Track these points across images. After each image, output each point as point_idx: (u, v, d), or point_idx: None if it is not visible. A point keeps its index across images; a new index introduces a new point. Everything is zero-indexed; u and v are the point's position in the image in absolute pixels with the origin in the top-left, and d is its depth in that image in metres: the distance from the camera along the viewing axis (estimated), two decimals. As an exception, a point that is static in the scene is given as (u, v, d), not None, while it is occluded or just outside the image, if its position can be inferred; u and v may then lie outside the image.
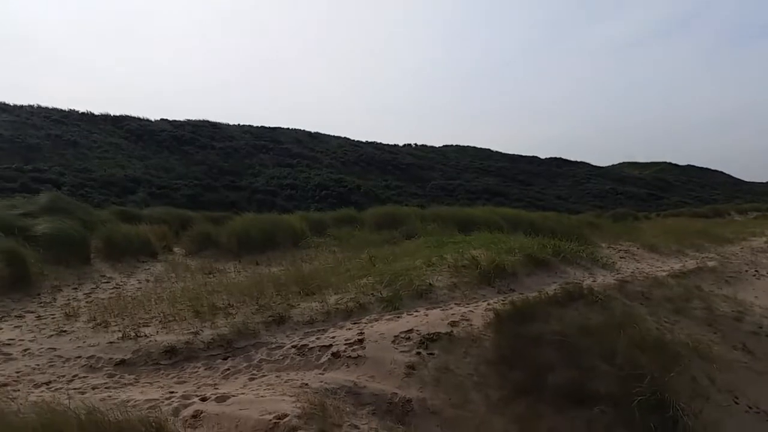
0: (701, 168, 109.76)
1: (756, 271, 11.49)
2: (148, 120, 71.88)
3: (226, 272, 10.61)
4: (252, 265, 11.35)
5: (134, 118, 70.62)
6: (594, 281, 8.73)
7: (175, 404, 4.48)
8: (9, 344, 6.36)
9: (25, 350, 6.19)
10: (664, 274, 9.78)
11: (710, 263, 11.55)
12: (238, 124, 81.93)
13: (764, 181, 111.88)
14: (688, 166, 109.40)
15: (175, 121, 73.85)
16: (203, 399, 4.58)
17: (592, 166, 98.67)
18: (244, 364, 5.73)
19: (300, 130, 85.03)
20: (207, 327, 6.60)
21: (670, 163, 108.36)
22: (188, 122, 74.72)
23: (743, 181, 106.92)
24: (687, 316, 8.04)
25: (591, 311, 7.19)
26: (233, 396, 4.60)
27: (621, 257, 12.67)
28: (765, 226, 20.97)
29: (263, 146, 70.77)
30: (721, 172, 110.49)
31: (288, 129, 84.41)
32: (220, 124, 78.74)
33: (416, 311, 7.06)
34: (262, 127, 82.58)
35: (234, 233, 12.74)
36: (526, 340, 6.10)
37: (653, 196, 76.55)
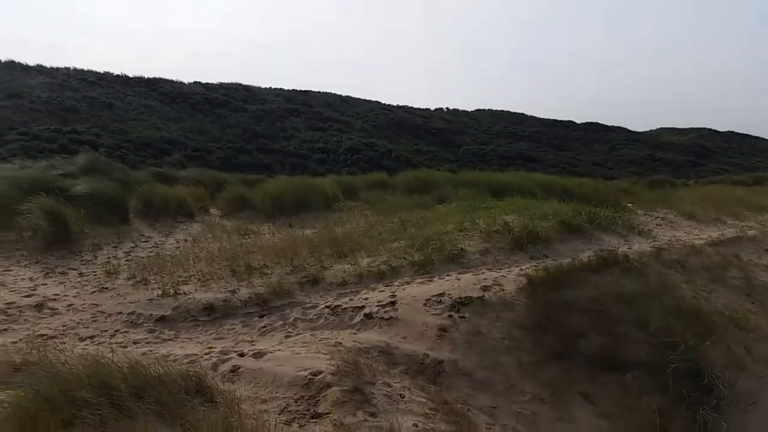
0: (743, 134, 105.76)
1: (798, 240, 11.14)
2: (181, 83, 72.45)
3: (260, 234, 10.78)
4: (285, 227, 11.51)
5: (168, 80, 71.26)
6: (629, 248, 8.60)
7: (214, 359, 4.64)
8: (54, 299, 6.63)
9: (69, 305, 6.45)
10: (701, 242, 9.57)
11: (750, 232, 11.24)
12: (270, 87, 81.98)
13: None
14: (729, 132, 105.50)
15: (208, 84, 74.31)
16: (241, 355, 4.73)
17: (629, 131, 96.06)
18: (280, 323, 5.87)
19: (331, 93, 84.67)
20: (243, 286, 6.76)
21: (710, 129, 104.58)
22: (221, 85, 75.09)
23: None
24: (724, 285, 7.89)
25: (625, 278, 7.12)
26: (270, 352, 4.73)
27: (657, 225, 12.44)
28: (809, 196, 20.21)
29: (295, 110, 70.82)
30: (764, 139, 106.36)
31: (319, 92, 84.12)
32: (252, 87, 78.94)
33: (448, 275, 7.09)
34: (293, 90, 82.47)
35: (268, 196, 12.89)
36: (559, 306, 6.09)
37: (691, 162, 74.42)
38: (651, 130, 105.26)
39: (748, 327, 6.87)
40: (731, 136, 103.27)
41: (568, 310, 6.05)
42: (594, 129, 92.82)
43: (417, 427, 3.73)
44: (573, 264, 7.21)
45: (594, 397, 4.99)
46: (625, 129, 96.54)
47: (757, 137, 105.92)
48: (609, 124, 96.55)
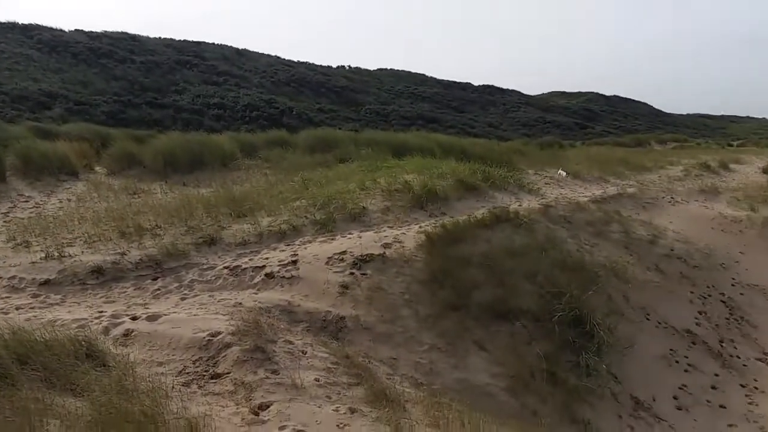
0: (626, 99, 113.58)
1: (671, 197, 12.28)
2: (61, 30, 66.05)
3: (151, 193, 10.26)
4: (179, 186, 11.01)
5: (46, 27, 64.70)
6: (520, 206, 9.05)
7: (105, 323, 4.41)
8: None
9: (-62, 271, 5.84)
10: (585, 199, 10.28)
11: (629, 190, 12.22)
12: (159, 38, 76.74)
13: (684, 113, 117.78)
14: (614, 96, 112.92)
15: (91, 32, 68.25)
16: (134, 318, 4.53)
17: (522, 94, 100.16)
18: (175, 285, 5.67)
19: (227, 45, 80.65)
20: (134, 247, 6.43)
21: (596, 93, 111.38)
22: (105, 34, 69.29)
23: (664, 112, 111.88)
24: (606, 239, 8.56)
25: (516, 234, 7.52)
26: (165, 315, 4.57)
27: (546, 183, 13.17)
28: (682, 156, 22.21)
29: (187, 62, 66.92)
30: (645, 103, 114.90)
31: (214, 44, 79.87)
32: (139, 36, 73.49)
33: (350, 234, 7.14)
34: (185, 41, 77.69)
35: (159, 153, 12.22)
36: (455, 260, 6.34)
37: (579, 125, 79.13)
38: (542, 94, 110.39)
39: (627, 277, 7.53)
40: (616, 100, 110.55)
41: (464, 264, 6.32)
42: (490, 92, 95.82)
43: (319, 381, 3.77)
44: (468, 221, 7.49)
45: (487, 345, 5.29)
46: (519, 92, 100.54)
47: (638, 101, 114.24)
48: (504, 87, 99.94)
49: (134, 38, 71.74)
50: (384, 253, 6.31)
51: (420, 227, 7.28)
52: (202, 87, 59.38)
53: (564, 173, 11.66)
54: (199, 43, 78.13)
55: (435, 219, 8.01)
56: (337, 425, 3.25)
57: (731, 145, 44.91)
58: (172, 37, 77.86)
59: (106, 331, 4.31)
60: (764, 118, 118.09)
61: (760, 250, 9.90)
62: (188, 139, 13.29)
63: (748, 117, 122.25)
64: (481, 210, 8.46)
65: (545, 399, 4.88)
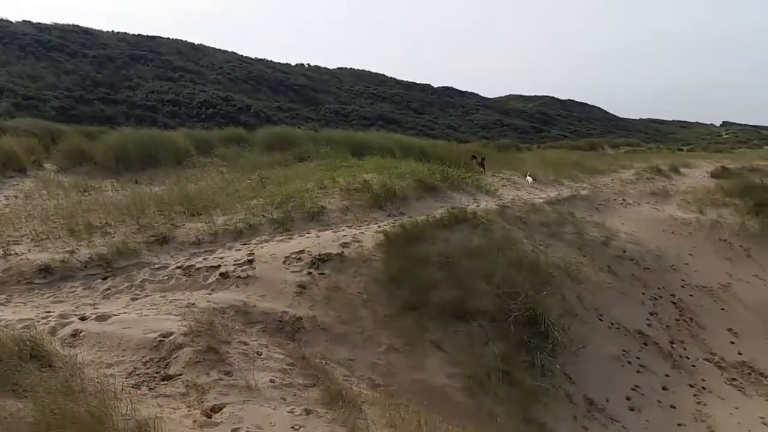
0: (581, 103, 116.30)
1: (623, 200, 12.59)
2: (7, 21, 63.23)
3: (102, 190, 9.93)
4: (131, 184, 10.69)
5: (-11, 18, 61.91)
6: (477, 206, 9.13)
7: (53, 323, 4.25)
8: None
9: None
10: (540, 201, 10.45)
11: (583, 192, 12.48)
12: (113, 31, 74.39)
13: (637, 117, 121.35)
14: (569, 100, 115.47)
15: (40, 24, 65.54)
16: (82, 318, 4.36)
17: (480, 97, 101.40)
18: (126, 284, 5.48)
19: (182, 41, 78.74)
20: (83, 246, 6.19)
21: (552, 98, 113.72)
22: (55, 26, 66.70)
23: (618, 117, 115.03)
24: (560, 239, 8.71)
25: (474, 234, 7.57)
26: (115, 315, 4.41)
27: (503, 185, 13.31)
28: (634, 160, 22.75)
29: (141, 56, 65.00)
30: (599, 108, 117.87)
31: (169, 39, 77.85)
32: (92, 30, 71.07)
33: (308, 233, 7.05)
34: (139, 35, 75.52)
35: (111, 149, 11.85)
36: (414, 260, 6.33)
37: (535, 128, 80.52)
38: (500, 97, 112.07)
39: (580, 278, 7.67)
40: (571, 104, 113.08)
41: (423, 264, 6.32)
42: (449, 93, 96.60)
43: (274, 382, 3.70)
44: (427, 221, 7.51)
45: (445, 345, 5.29)
46: (477, 95, 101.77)
47: (593, 106, 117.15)
48: (463, 89, 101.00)
49: (86, 31, 69.28)
50: (342, 252, 6.26)
51: (379, 227, 7.25)
52: (156, 83, 57.78)
53: (531, 179, 11.63)
54: (153, 38, 76.07)
55: (394, 218, 8.00)
56: (292, 427, 3.19)
57: (681, 150, 46.50)
58: (126, 31, 75.63)
59: (53, 331, 4.14)
60: (712, 124, 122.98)
61: (709, 252, 10.24)
62: (141, 135, 12.92)
63: (696, 123, 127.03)
64: (440, 210, 8.49)
65: (501, 399, 4.91)
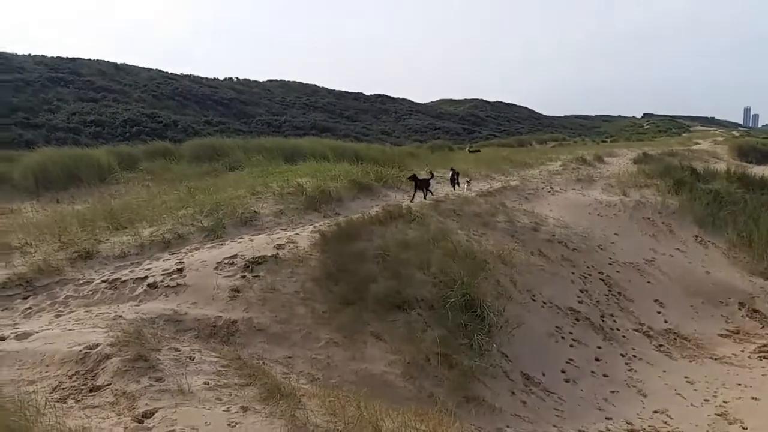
0: (508, 104, 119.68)
1: (551, 188, 13.03)
2: None
3: (22, 212, 9.39)
4: (53, 204, 10.18)
5: None
6: (412, 202, 9.22)
7: (-35, 348, 3.95)
8: None
9: None
10: (473, 194, 10.67)
11: (513, 183, 12.83)
12: (30, 54, 70.82)
13: (561, 114, 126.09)
14: (497, 102, 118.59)
15: (-54, 49, 61.64)
16: (1, 339, 4.10)
17: (413, 102, 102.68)
18: (48, 302, 5.20)
19: (103, 61, 75.71)
20: (1, 266, 5.83)
21: (481, 100, 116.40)
22: (-36, 49, 62.92)
23: (543, 115, 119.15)
24: (493, 228, 8.91)
25: (409, 228, 7.64)
26: (37, 333, 4.18)
27: (438, 182, 13.51)
28: (560, 153, 23.60)
29: (61, 79, 62.00)
30: (526, 108, 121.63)
31: (90, 60, 74.70)
32: (5, 53, 67.46)
33: (240, 238, 6.91)
34: (58, 57, 72.15)
35: (30, 170, 11.25)
36: (350, 256, 6.33)
37: (467, 130, 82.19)
38: (432, 102, 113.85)
39: (513, 262, 7.87)
40: (499, 105, 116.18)
41: (359, 259, 6.32)
42: (382, 101, 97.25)
43: (208, 384, 3.59)
44: (363, 218, 7.53)
45: (384, 335, 5.30)
46: (410, 101, 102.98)
47: (520, 106, 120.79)
48: (395, 96, 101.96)
49: (0, 55, 65.78)
50: (277, 254, 6.18)
51: (314, 227, 7.20)
52: (77, 104, 55.23)
53: (466, 183, 11.29)
54: (74, 59, 72.80)
55: (329, 219, 7.96)
56: (229, 424, 3.10)
57: (605, 142, 48.61)
58: (44, 54, 72.17)
59: (-35, 356, 3.86)
60: (633, 116, 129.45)
61: (632, 230, 10.75)
62: (61, 154, 12.34)
63: (619, 116, 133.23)
64: (376, 208, 8.53)
65: (441, 381, 4.96)
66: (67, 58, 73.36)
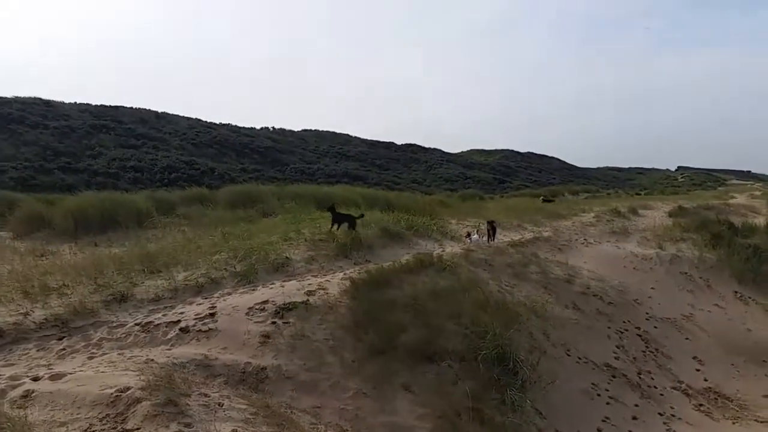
0: (540, 155, 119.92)
1: (585, 239, 12.85)
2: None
3: (60, 254, 9.63)
4: (90, 247, 10.43)
5: (-52, 91, 61.40)
6: (443, 251, 9.19)
7: (2, 386, 4.04)
8: None
9: None
10: (504, 244, 10.57)
11: (545, 234, 12.70)
12: (75, 102, 74.45)
13: (593, 166, 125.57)
14: (529, 153, 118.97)
15: (1, 98, 65.30)
16: (35, 379, 4.17)
17: (444, 152, 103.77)
18: (82, 344, 5.26)
19: (145, 109, 79.16)
20: (38, 307, 5.96)
21: (512, 151, 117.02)
22: (16, 99, 66.51)
23: (576, 166, 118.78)
24: (525, 279, 8.78)
25: (440, 277, 7.58)
26: (70, 374, 4.22)
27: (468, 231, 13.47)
28: (593, 205, 23.37)
29: (103, 126, 65.00)
30: (558, 159, 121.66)
31: (131, 108, 78.21)
32: (53, 102, 71.00)
33: (272, 284, 6.95)
34: (102, 105, 75.75)
35: (70, 213, 11.59)
36: (380, 304, 6.27)
37: (498, 180, 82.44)
38: (462, 152, 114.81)
39: (546, 315, 7.70)
40: (530, 156, 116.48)
41: (389, 308, 6.26)
42: (413, 150, 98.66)
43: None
44: (393, 266, 7.51)
45: (414, 387, 5.19)
46: (441, 150, 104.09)
47: (551, 157, 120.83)
48: (426, 146, 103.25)
49: (48, 103, 69.29)
50: (307, 300, 6.18)
51: (345, 274, 7.21)
52: (118, 150, 57.62)
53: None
54: (116, 108, 76.33)
55: (360, 266, 7.97)
56: (255, 474, 3.05)
57: (639, 194, 48.03)
58: (89, 102, 75.75)
59: (2, 394, 3.94)
60: (668, 169, 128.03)
61: (669, 285, 10.45)
62: (100, 198, 12.70)
63: (653, 168, 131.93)
64: (406, 256, 8.51)
65: (473, 437, 4.80)
66: (110, 106, 76.91)
